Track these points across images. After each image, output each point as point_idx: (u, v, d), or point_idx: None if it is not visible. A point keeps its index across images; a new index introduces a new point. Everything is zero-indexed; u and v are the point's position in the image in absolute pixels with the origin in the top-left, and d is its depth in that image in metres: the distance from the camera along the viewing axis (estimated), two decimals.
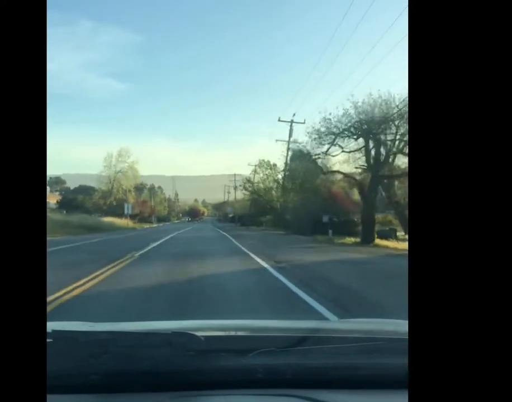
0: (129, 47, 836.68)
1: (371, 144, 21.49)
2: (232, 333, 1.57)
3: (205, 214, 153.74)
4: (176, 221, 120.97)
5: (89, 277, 8.00)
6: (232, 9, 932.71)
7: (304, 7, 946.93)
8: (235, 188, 70.52)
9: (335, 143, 21.69)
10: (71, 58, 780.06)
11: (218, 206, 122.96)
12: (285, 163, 35.37)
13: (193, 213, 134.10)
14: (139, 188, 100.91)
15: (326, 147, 22.18)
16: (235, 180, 70.28)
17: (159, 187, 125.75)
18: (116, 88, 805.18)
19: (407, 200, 8.48)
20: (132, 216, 70.20)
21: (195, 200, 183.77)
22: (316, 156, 23.03)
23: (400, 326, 1.51)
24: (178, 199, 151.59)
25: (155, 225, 75.52)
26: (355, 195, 26.72)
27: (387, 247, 18.32)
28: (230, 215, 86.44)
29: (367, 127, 20.41)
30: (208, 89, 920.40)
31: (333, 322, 3.21)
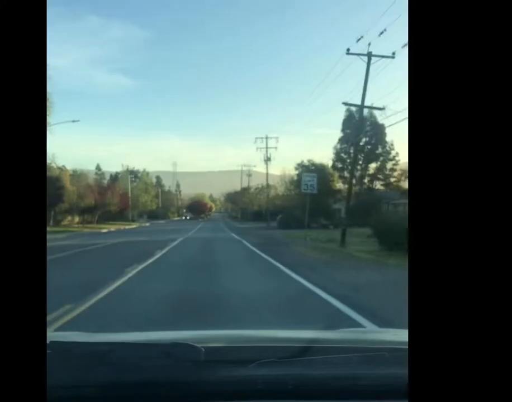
0: (137, 43, 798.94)
1: None
2: (232, 344, 1.51)
3: (213, 209, 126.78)
4: (176, 218, 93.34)
5: None
6: (241, 7, 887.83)
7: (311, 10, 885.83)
8: (267, 160, 41.59)
9: None
10: (80, 54, 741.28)
11: (232, 198, 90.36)
12: None
13: (196, 208, 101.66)
14: (123, 175, 72.58)
15: None
16: (266, 149, 41.48)
17: (157, 177, 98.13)
18: (124, 84, 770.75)
19: None
20: (84, 211, 42.47)
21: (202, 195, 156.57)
22: None
23: (401, 336, 1.47)
24: (180, 192, 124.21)
25: (133, 225, 47.24)
26: None
27: None
28: (251, 211, 58.43)
29: None
30: (216, 86, 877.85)
31: (334, 332, 2.43)
